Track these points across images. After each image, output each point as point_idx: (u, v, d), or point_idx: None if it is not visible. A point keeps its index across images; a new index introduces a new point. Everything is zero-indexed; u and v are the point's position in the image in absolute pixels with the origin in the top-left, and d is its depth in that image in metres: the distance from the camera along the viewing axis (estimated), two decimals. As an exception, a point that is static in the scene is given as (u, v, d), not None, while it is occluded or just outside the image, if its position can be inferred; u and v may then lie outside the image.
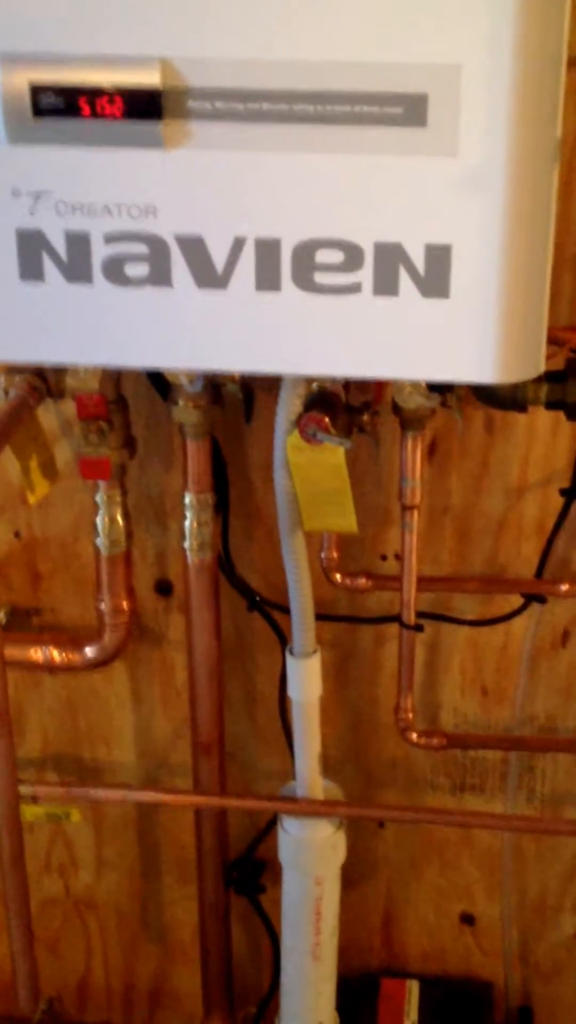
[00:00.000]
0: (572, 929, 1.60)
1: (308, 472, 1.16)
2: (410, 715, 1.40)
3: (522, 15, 0.87)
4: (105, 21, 0.90)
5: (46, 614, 1.47)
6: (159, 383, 1.29)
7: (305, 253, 0.95)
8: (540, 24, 0.88)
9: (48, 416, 1.35)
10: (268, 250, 0.95)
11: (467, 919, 1.61)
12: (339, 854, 1.40)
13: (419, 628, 1.36)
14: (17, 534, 1.43)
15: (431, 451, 1.34)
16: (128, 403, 1.27)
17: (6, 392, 1.21)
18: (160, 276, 0.97)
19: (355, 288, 0.95)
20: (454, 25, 0.87)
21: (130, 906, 1.66)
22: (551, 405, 1.18)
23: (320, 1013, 1.49)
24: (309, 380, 1.12)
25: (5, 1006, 1.53)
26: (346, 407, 1.20)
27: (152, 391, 1.31)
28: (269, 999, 1.61)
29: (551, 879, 1.57)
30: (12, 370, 1.21)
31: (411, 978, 1.63)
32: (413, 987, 1.62)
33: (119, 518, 1.31)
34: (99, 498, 1.30)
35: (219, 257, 0.96)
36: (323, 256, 0.95)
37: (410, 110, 0.90)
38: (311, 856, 1.39)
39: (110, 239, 0.97)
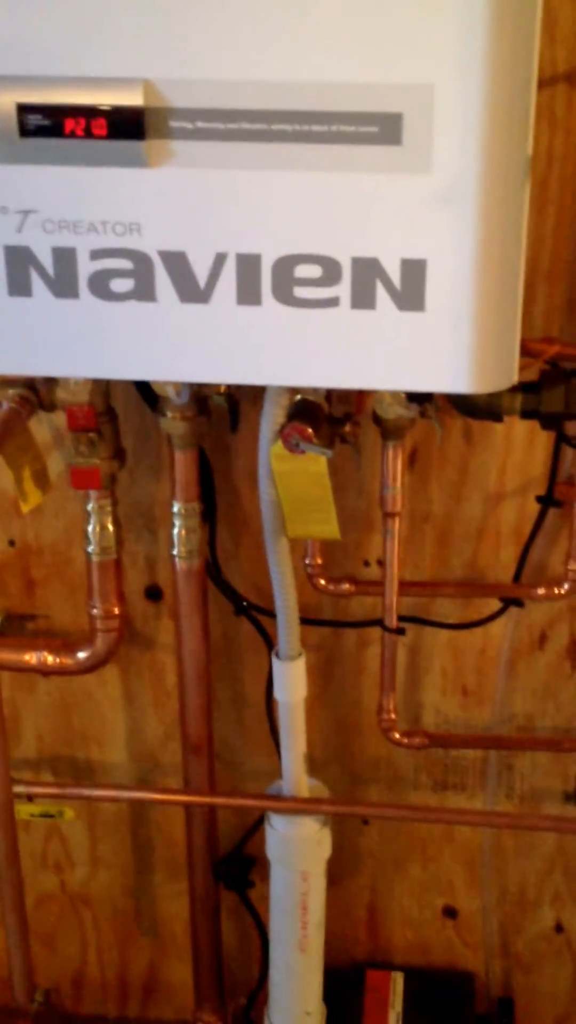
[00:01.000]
0: (551, 922, 1.59)
1: (291, 480, 1.15)
2: (392, 716, 1.39)
3: (493, 35, 0.86)
4: (89, 44, 0.89)
5: (40, 619, 1.46)
6: (148, 395, 1.28)
7: (285, 268, 0.94)
8: (511, 44, 0.87)
9: (41, 427, 1.33)
10: (249, 265, 0.94)
11: (449, 912, 1.60)
12: (324, 850, 1.39)
13: (401, 632, 1.34)
14: (12, 542, 1.42)
15: (411, 460, 1.33)
16: (118, 415, 1.26)
17: (0, 404, 1.20)
18: (144, 291, 0.96)
19: (333, 302, 0.94)
20: (427, 45, 0.86)
21: (124, 901, 1.64)
22: (526, 414, 1.17)
23: (307, 1004, 1.47)
24: (292, 391, 1.11)
25: (2, 998, 1.52)
26: (328, 418, 1.19)
27: (142, 402, 1.30)
28: (259, 990, 1.60)
29: (530, 873, 1.56)
30: (4, 383, 1.20)
31: (396, 970, 1.62)
32: (398, 978, 1.61)
33: (109, 526, 1.30)
34: (90, 507, 1.29)
35: (201, 272, 0.95)
36: (302, 271, 0.94)
37: (385, 129, 0.89)
38: (297, 852, 1.38)
39: (96, 255, 0.96)
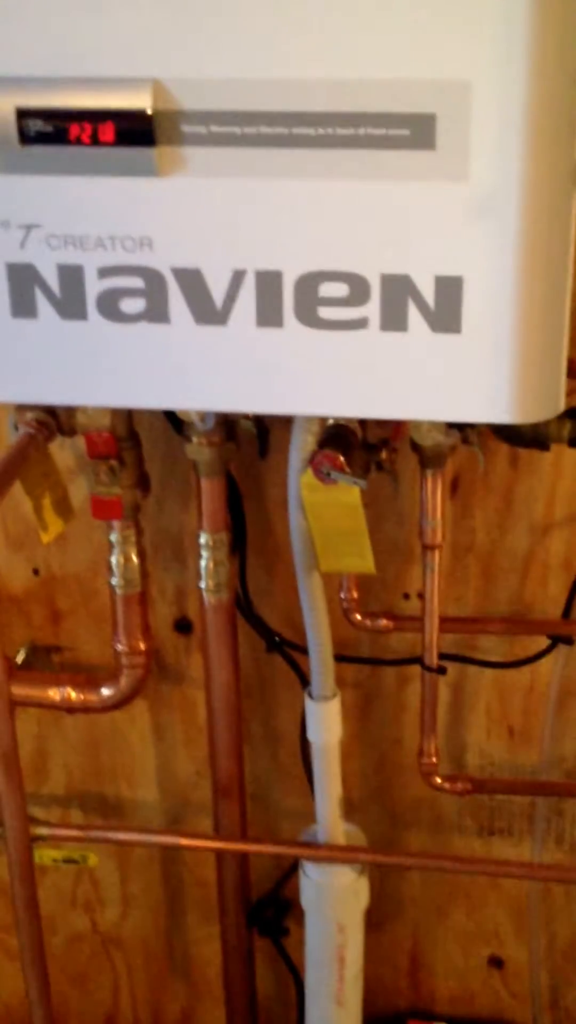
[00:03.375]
0: (603, 974, 1.47)
1: (323, 512, 1.05)
2: (434, 759, 1.28)
3: (536, 28, 0.76)
4: (93, 42, 0.80)
5: (66, 652, 1.37)
6: (174, 418, 1.18)
7: (308, 286, 0.84)
8: (556, 38, 0.77)
9: (64, 453, 1.24)
10: (269, 283, 0.84)
11: (495, 962, 1.49)
12: (362, 900, 1.29)
13: (442, 671, 1.24)
14: (36, 571, 1.33)
15: (453, 487, 1.23)
16: (141, 440, 1.16)
17: (16, 428, 1.11)
18: (157, 312, 0.87)
19: (361, 323, 0.84)
20: (464, 39, 0.76)
21: (156, 943, 1.55)
22: (575, 443, 1.07)
23: (345, 1057, 1.37)
24: (323, 417, 1.01)
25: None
26: (363, 444, 1.09)
27: (168, 426, 1.21)
28: (295, 1039, 1.50)
29: (582, 923, 1.45)
30: (22, 407, 1.11)
31: (438, 1020, 1.51)
32: (441, 1029, 1.51)
33: (134, 557, 1.20)
34: (113, 537, 1.19)
35: (218, 291, 0.86)
36: (327, 289, 0.84)
37: (417, 131, 0.79)
38: (333, 902, 1.28)
39: (104, 273, 0.87)
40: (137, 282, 0.86)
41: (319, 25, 0.77)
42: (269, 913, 1.44)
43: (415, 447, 1.13)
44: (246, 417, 1.13)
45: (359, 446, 1.07)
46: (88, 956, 1.57)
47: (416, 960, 1.51)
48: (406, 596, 1.29)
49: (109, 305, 0.87)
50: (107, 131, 0.82)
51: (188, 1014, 1.59)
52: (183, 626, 1.34)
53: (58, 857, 1.32)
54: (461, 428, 1.10)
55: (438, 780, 1.30)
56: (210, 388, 0.89)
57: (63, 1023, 1.60)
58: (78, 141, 0.82)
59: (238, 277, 0.85)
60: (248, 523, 1.25)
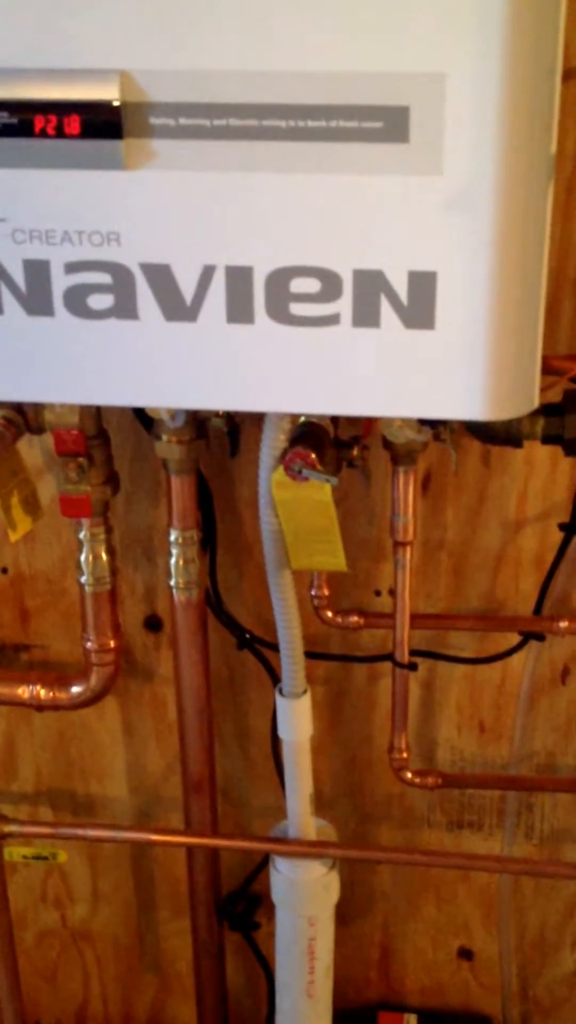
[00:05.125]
0: (572, 965, 1.45)
1: (294, 509, 1.02)
2: (404, 755, 1.25)
3: (513, 20, 0.73)
4: (59, 32, 0.76)
5: (36, 650, 1.33)
6: (143, 416, 1.15)
7: (279, 282, 0.81)
8: (532, 30, 0.74)
9: (32, 451, 1.21)
10: (240, 279, 0.81)
11: (465, 954, 1.46)
12: (332, 894, 1.26)
13: (413, 667, 1.21)
14: (4, 569, 1.29)
15: (425, 484, 1.20)
16: (110, 438, 1.13)
17: (-17, 427, 1.07)
18: (126, 308, 0.83)
19: (333, 319, 0.81)
20: (438, 31, 0.73)
21: (126, 938, 1.51)
22: (548, 440, 1.04)
23: (316, 1050, 1.35)
24: (295, 414, 0.98)
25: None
26: (334, 441, 1.06)
27: (137, 424, 1.17)
28: (266, 1032, 1.47)
29: (551, 915, 1.42)
30: (-11, 405, 1.07)
31: (409, 1012, 1.49)
32: (411, 1020, 1.48)
33: (103, 555, 1.16)
34: (82, 535, 1.16)
35: (187, 287, 0.82)
36: (298, 285, 0.81)
37: (391, 124, 0.75)
38: (303, 896, 1.25)
39: (71, 268, 0.83)
40: (105, 278, 0.83)
41: (290, 16, 0.74)
42: (239, 908, 1.41)
43: (387, 444, 1.10)
44: (217, 415, 1.10)
45: (330, 443, 1.04)
46: (58, 951, 1.53)
47: (386, 952, 1.48)
48: (377, 593, 1.26)
49: (76, 301, 0.84)
50: (73, 123, 0.78)
51: (158, 1008, 1.56)
52: (153, 624, 1.31)
53: (28, 854, 1.28)
54: (433, 425, 1.07)
55: (408, 775, 1.27)
56: (180, 385, 0.85)
57: (34, 1017, 1.57)
58: (43, 133, 0.78)
59: (208, 273, 0.81)
60: (218, 521, 1.22)
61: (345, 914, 1.35)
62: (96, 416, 1.10)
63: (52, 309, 0.84)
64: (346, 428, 1.09)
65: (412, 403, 0.83)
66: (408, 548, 1.16)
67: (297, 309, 0.81)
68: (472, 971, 1.47)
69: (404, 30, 0.73)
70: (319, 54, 0.74)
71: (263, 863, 1.35)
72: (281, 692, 1.16)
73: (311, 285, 0.80)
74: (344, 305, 0.80)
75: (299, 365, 0.83)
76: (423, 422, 1.06)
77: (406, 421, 1.05)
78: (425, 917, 1.45)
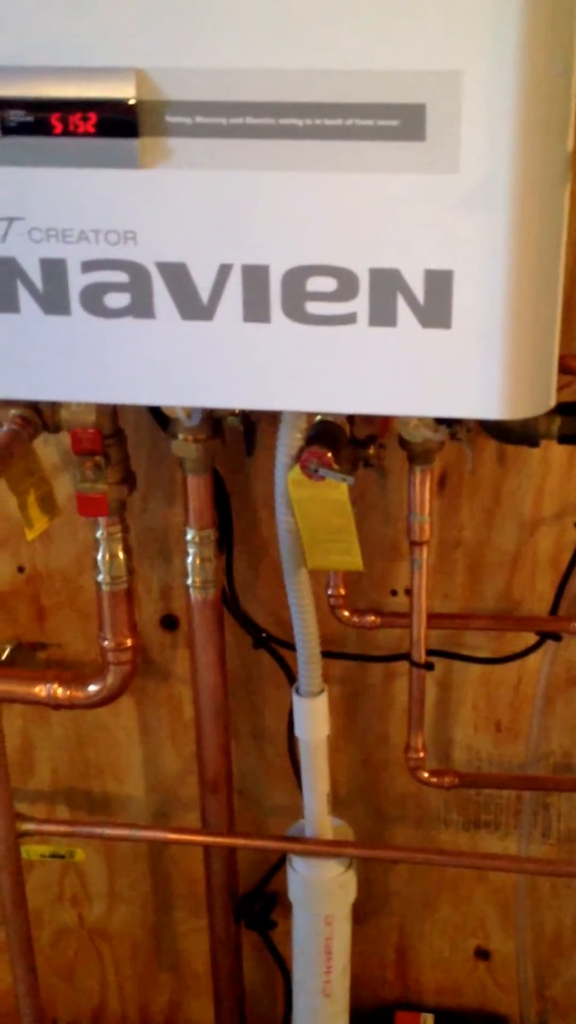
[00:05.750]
0: (589, 965, 1.44)
1: (310, 508, 1.01)
2: (420, 754, 1.25)
3: (529, 17, 0.72)
4: (76, 31, 0.76)
5: (52, 648, 1.33)
6: (159, 415, 1.14)
7: (295, 281, 0.81)
8: (547, 28, 0.73)
9: (49, 449, 1.21)
10: (256, 278, 0.81)
11: (482, 954, 1.46)
12: (349, 893, 1.25)
13: (429, 667, 1.20)
14: (21, 568, 1.29)
15: (441, 484, 1.19)
16: (126, 436, 1.12)
17: (1, 425, 1.07)
18: (142, 307, 0.83)
19: (349, 319, 0.81)
20: (454, 29, 0.73)
21: (143, 937, 1.51)
22: (565, 439, 1.03)
23: (333, 1049, 1.34)
24: (311, 413, 0.98)
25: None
26: (350, 440, 1.05)
27: (154, 422, 1.17)
28: (283, 1030, 1.47)
29: (567, 915, 1.41)
30: (5, 403, 1.07)
31: (426, 1011, 1.48)
32: (428, 1020, 1.47)
33: (120, 554, 1.16)
34: (99, 534, 1.15)
35: (204, 286, 0.82)
36: (315, 284, 0.80)
37: (407, 122, 0.75)
38: (320, 896, 1.25)
39: (88, 267, 0.83)
40: (121, 276, 0.82)
41: (307, 14, 0.74)
42: (256, 907, 1.41)
43: (403, 443, 1.09)
44: (233, 413, 1.10)
45: (347, 442, 1.04)
46: (75, 950, 1.53)
47: (403, 952, 1.48)
48: (393, 592, 1.26)
49: (93, 300, 0.83)
50: (89, 122, 0.78)
51: (176, 1007, 1.56)
52: (169, 622, 1.30)
53: (45, 852, 1.28)
54: (450, 424, 1.06)
55: (425, 775, 1.27)
56: (196, 384, 0.85)
57: (51, 1016, 1.56)
58: (60, 132, 0.78)
59: (224, 271, 0.81)
60: (235, 520, 1.21)
61: (362, 913, 1.35)
62: (112, 415, 1.10)
63: (69, 308, 0.84)
64: (362, 427, 1.09)
65: (428, 402, 0.83)
66: (424, 547, 1.15)
67: (313, 308, 0.81)
68: (489, 971, 1.47)
69: (420, 28, 0.73)
70: (335, 52, 0.74)
71: (280, 862, 1.35)
72: (298, 691, 1.15)
73: (327, 284, 0.80)
74: (360, 304, 0.80)
75: (315, 364, 0.82)
76: (439, 421, 1.05)
77: (422, 420, 1.05)
78: (441, 917, 1.44)
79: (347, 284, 0.80)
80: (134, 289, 0.83)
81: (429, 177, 0.76)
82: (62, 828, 1.26)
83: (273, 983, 1.49)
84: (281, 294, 0.81)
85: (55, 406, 1.07)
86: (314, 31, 0.74)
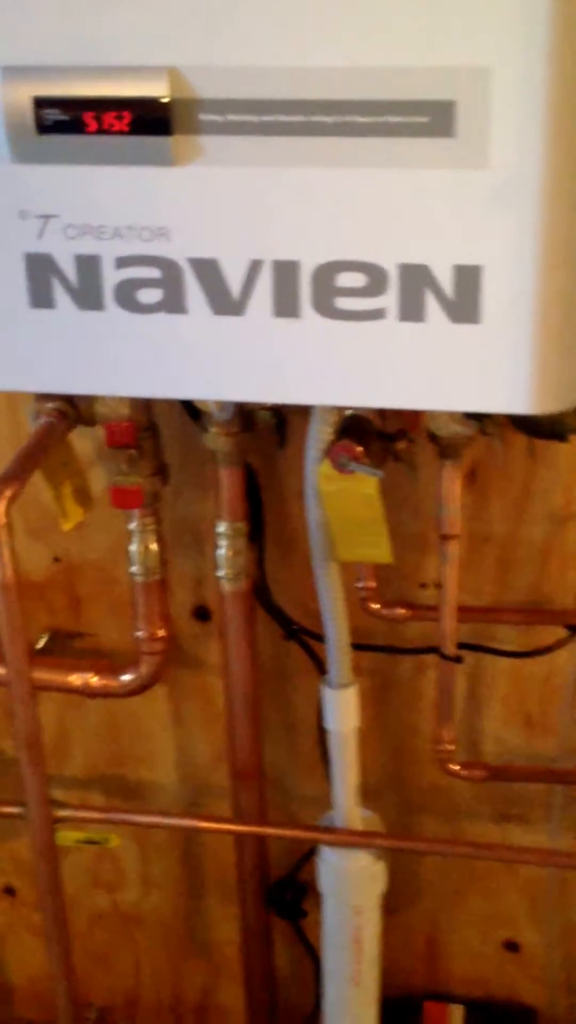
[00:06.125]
0: (618, 958, 1.44)
1: (340, 502, 1.02)
2: (449, 747, 1.25)
3: (558, 13, 0.72)
4: (110, 30, 0.77)
5: (87, 638, 1.34)
6: (192, 408, 1.15)
7: (325, 277, 0.81)
8: (578, 23, 0.73)
9: (84, 442, 1.21)
10: (286, 274, 0.81)
11: (511, 946, 1.46)
12: (379, 884, 1.26)
13: (458, 660, 1.21)
14: (57, 558, 1.30)
15: (471, 478, 1.19)
16: (160, 430, 1.13)
17: (36, 418, 1.08)
18: (174, 302, 0.84)
19: (379, 314, 0.81)
20: (484, 25, 0.72)
21: (176, 923, 1.52)
22: (593, 434, 1.03)
23: (362, 1037, 1.35)
24: (341, 408, 0.98)
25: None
26: (380, 434, 1.05)
27: (187, 416, 1.18)
28: (314, 1017, 1.47)
29: (597, 908, 1.41)
30: (42, 397, 1.08)
31: (454, 1002, 1.48)
32: (456, 1011, 1.48)
33: (153, 546, 1.17)
34: (132, 526, 1.16)
35: (235, 282, 0.82)
36: (344, 280, 0.81)
37: (437, 119, 0.75)
38: (350, 886, 1.26)
39: (121, 263, 0.83)
40: (154, 272, 0.83)
41: (337, 12, 0.74)
42: (287, 896, 1.41)
43: (433, 437, 1.10)
44: (264, 407, 1.10)
45: (376, 436, 1.04)
46: (110, 935, 1.54)
47: (433, 943, 1.48)
48: (423, 585, 1.26)
49: (126, 295, 0.84)
50: (124, 120, 0.78)
51: (208, 992, 1.57)
52: (201, 613, 1.31)
53: (80, 838, 1.29)
54: (479, 418, 1.06)
55: (454, 767, 1.27)
56: (227, 378, 0.85)
57: (86, 999, 1.58)
58: (95, 130, 0.79)
59: (255, 267, 0.81)
60: (266, 512, 1.22)
61: (392, 904, 1.35)
62: (146, 408, 1.10)
63: (102, 303, 0.85)
64: (393, 421, 1.09)
65: (457, 397, 0.83)
66: (454, 541, 1.15)
67: (343, 303, 0.81)
68: (518, 963, 1.47)
69: (449, 25, 0.72)
70: (365, 50, 0.74)
71: (311, 852, 1.35)
72: (327, 683, 1.16)
73: (357, 279, 0.80)
74: (390, 299, 0.80)
75: (344, 359, 0.83)
76: (469, 416, 1.06)
77: (452, 415, 1.05)
78: (471, 908, 1.45)
79: (376, 280, 0.80)
80: (166, 285, 0.83)
81: (459, 173, 0.76)
82: (96, 815, 1.27)
83: (304, 971, 1.50)
84: (311, 290, 0.81)
85: (90, 400, 1.08)
86: (344, 29, 0.74)
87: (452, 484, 1.12)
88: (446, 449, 1.11)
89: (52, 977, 1.27)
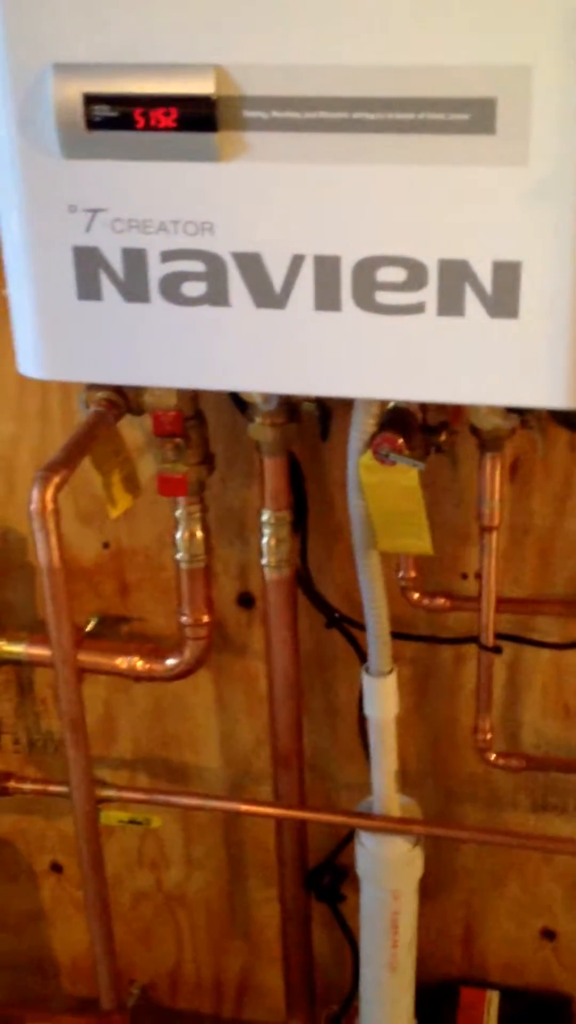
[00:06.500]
0: None
1: (381, 493, 1.02)
2: (488, 736, 1.25)
3: (600, 12, 0.72)
4: (158, 28, 0.78)
5: (135, 622, 1.36)
6: (238, 399, 1.16)
7: (366, 271, 0.82)
8: (620, 22, 0.73)
9: (134, 431, 1.23)
10: (328, 268, 0.82)
11: (548, 934, 1.46)
12: (416, 869, 1.27)
13: (497, 650, 1.21)
14: (106, 544, 1.32)
15: (513, 471, 1.19)
16: (206, 419, 1.14)
17: (87, 407, 1.10)
18: (217, 295, 0.85)
19: (418, 308, 0.82)
20: (524, 23, 0.73)
21: (218, 903, 1.54)
22: None
23: (397, 1020, 1.36)
24: (383, 400, 0.99)
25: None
26: (423, 427, 1.06)
27: (234, 406, 1.19)
28: (350, 999, 1.48)
29: None
30: (93, 386, 1.09)
31: (491, 988, 1.49)
32: (493, 997, 1.48)
33: (198, 533, 1.18)
34: (178, 513, 1.18)
35: (277, 275, 0.83)
36: (385, 274, 0.81)
37: (477, 116, 0.75)
38: (387, 871, 1.27)
39: (167, 257, 0.85)
40: (198, 266, 0.84)
41: (380, 10, 0.74)
42: (326, 880, 1.42)
43: (474, 430, 1.10)
44: (308, 399, 1.11)
45: (419, 429, 1.04)
46: (153, 914, 1.56)
47: (470, 930, 1.48)
48: (464, 576, 1.26)
49: (171, 288, 0.85)
50: (171, 117, 0.79)
51: (248, 972, 1.58)
52: (246, 600, 1.32)
53: (124, 818, 1.31)
54: (521, 412, 1.06)
55: (492, 757, 1.27)
56: (268, 370, 0.87)
57: (129, 976, 1.60)
58: (143, 127, 0.80)
59: (297, 262, 0.82)
60: (310, 502, 1.22)
61: (429, 890, 1.35)
62: (193, 399, 1.12)
63: (148, 296, 0.86)
64: (435, 414, 1.09)
65: (496, 391, 0.84)
66: (494, 533, 1.15)
67: (383, 298, 0.82)
68: (554, 951, 1.47)
69: (491, 23, 0.73)
70: (408, 48, 0.74)
71: (349, 837, 1.36)
72: (367, 671, 1.17)
73: (397, 274, 0.81)
74: (429, 294, 0.81)
75: (384, 352, 0.83)
76: (510, 409, 1.06)
77: (493, 408, 1.05)
78: (508, 896, 1.45)
79: (416, 274, 0.80)
80: (210, 278, 0.84)
81: (499, 169, 0.76)
82: (139, 796, 1.29)
83: (342, 954, 1.51)
84: (352, 284, 0.82)
85: (139, 390, 1.09)
86: (386, 27, 0.74)
87: (492, 477, 1.13)
88: (487, 442, 1.11)
89: (93, 955, 1.29)
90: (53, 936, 1.60)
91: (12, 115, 0.81)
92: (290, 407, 1.12)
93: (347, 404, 1.01)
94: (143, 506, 1.27)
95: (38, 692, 1.42)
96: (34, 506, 0.98)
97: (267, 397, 1.08)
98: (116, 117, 0.80)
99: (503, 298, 0.80)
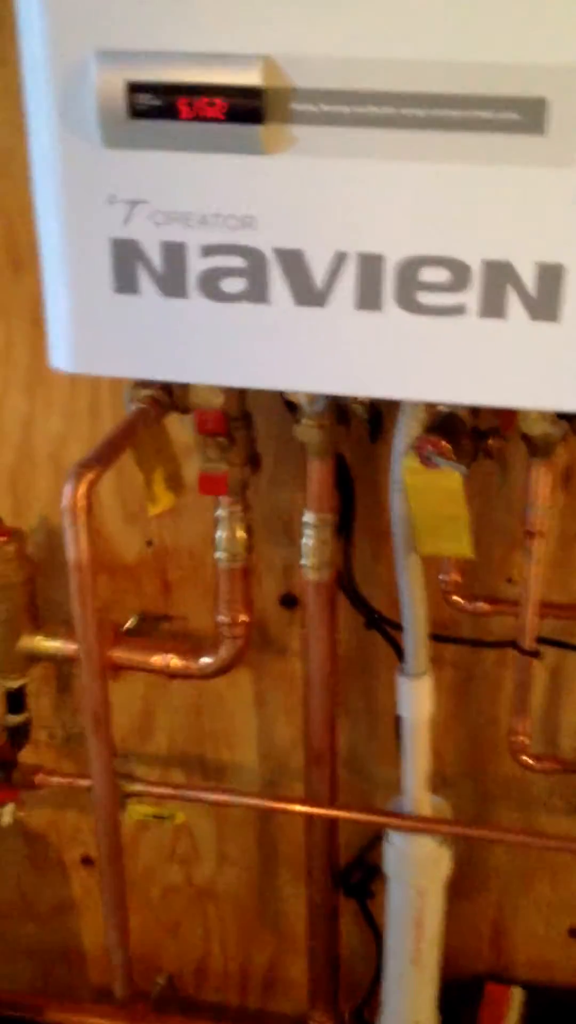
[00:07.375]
0: None
1: (424, 496, 0.99)
2: (523, 738, 1.22)
3: None
4: (205, 16, 0.74)
5: (176, 621, 1.33)
6: (288, 400, 1.12)
7: (409, 271, 0.78)
8: None
9: (184, 429, 1.19)
10: (370, 266, 0.78)
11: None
12: (443, 869, 1.24)
13: (535, 654, 1.17)
14: (149, 542, 1.29)
15: (566, 478, 1.15)
16: (253, 419, 1.11)
17: (132, 404, 1.07)
18: (258, 292, 0.81)
19: (460, 309, 0.78)
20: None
21: (247, 898, 1.51)
22: None
23: (419, 1015, 1.33)
24: (432, 403, 0.95)
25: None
26: (473, 431, 1.02)
27: (284, 407, 1.15)
28: (373, 992, 1.44)
29: None
30: (139, 383, 1.06)
31: (516, 985, 1.44)
32: (517, 993, 1.43)
33: (239, 533, 1.15)
34: (220, 513, 1.14)
35: (319, 273, 0.80)
36: (428, 274, 0.77)
37: (527, 116, 0.71)
38: (414, 869, 1.24)
39: (207, 251, 0.81)
40: (239, 261, 0.81)
41: (432, 5, 0.71)
42: (356, 876, 1.39)
43: (525, 437, 1.06)
44: (358, 401, 1.07)
45: (467, 433, 1.00)
46: (183, 907, 1.53)
47: (498, 927, 1.44)
48: (509, 580, 1.22)
49: (210, 284, 0.82)
50: (216, 107, 0.76)
51: (274, 965, 1.55)
52: (288, 601, 1.29)
53: (148, 813, 1.28)
54: (571, 419, 1.02)
55: (526, 758, 1.24)
56: (305, 369, 0.83)
57: (157, 967, 1.57)
58: (187, 116, 0.76)
59: (339, 259, 0.79)
60: (359, 505, 1.18)
61: (459, 888, 1.32)
62: (240, 398, 1.08)
63: (186, 291, 0.82)
64: (486, 419, 1.05)
65: (536, 395, 0.79)
66: (538, 538, 1.11)
67: (425, 298, 0.78)
68: (583, 952, 1.43)
69: (543, 22, 0.69)
70: (459, 44, 0.71)
71: (379, 836, 1.33)
72: (403, 671, 1.13)
73: (440, 274, 0.77)
74: (472, 295, 0.77)
75: (425, 353, 0.79)
76: (561, 416, 1.02)
77: (542, 414, 1.01)
78: (538, 895, 1.41)
79: (459, 275, 0.77)
80: (251, 274, 0.81)
81: (546, 171, 0.72)
82: (166, 791, 1.26)
83: (369, 950, 1.47)
84: (394, 283, 0.78)
85: (185, 388, 1.05)
86: (437, 22, 0.71)
87: (540, 483, 1.08)
88: (536, 448, 1.07)
89: (108, 945, 1.26)
90: (81, 927, 1.58)
91: (53, 102, 0.77)
92: (339, 408, 1.08)
93: (396, 406, 0.97)
94: (188, 505, 1.24)
95: (75, 687, 1.40)
96: (66, 502, 0.95)
97: (313, 398, 1.04)
98: (160, 106, 0.77)
99: (546, 301, 0.76)
